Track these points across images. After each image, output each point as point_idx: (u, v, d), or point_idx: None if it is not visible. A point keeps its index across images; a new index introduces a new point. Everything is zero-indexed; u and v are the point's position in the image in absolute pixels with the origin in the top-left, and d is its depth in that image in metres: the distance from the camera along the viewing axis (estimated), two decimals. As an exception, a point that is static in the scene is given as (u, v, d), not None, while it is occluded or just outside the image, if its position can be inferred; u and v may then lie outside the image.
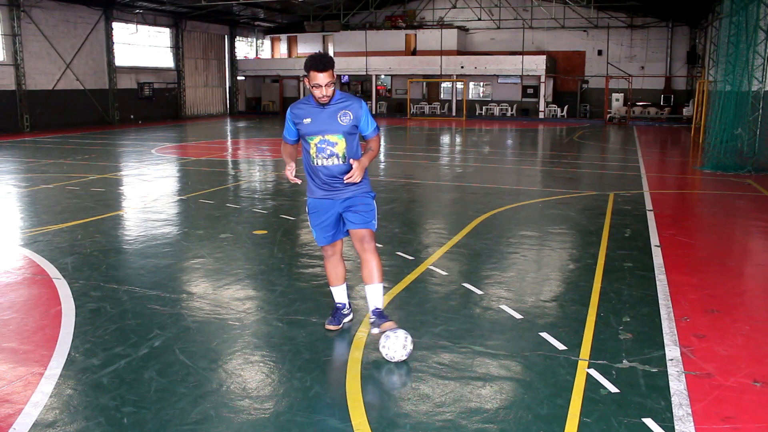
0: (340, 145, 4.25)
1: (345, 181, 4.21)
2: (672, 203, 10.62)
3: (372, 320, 4.43)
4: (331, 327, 4.64)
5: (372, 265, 4.35)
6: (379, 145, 4.43)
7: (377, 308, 4.43)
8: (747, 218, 9.13)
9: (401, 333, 4.12)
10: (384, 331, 4.21)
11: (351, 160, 4.21)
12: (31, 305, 5.23)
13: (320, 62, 4.06)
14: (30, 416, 3.43)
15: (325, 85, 4.10)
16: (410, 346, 4.11)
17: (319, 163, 4.29)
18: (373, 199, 4.44)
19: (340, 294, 4.71)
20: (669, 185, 12.71)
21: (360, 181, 4.27)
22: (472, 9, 37.20)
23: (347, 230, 4.44)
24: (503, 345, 4.40)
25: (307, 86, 4.16)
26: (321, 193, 4.38)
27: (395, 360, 4.08)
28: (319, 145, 4.24)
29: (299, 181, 4.30)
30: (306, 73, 4.14)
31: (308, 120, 4.23)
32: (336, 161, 4.27)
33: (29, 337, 4.52)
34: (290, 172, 4.26)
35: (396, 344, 4.07)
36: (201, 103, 36.88)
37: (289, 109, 4.38)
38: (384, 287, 5.58)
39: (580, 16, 35.95)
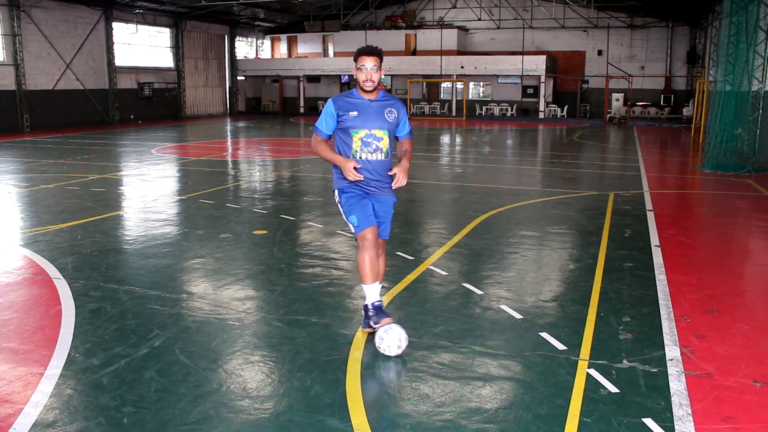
0: (385, 140, 4.30)
1: (393, 187, 4.33)
2: (672, 203, 10.62)
3: (371, 313, 4.38)
4: (370, 329, 4.49)
5: (381, 264, 4.55)
6: (413, 147, 4.57)
7: (379, 301, 4.40)
8: (747, 218, 9.13)
9: (397, 330, 4.17)
10: (382, 326, 4.24)
11: (393, 169, 4.28)
12: (31, 305, 5.23)
13: (369, 47, 4.26)
14: (30, 416, 3.43)
15: (371, 68, 4.20)
16: (405, 344, 4.17)
17: (363, 157, 4.29)
18: (393, 205, 4.55)
19: (376, 292, 4.40)
20: (669, 185, 12.71)
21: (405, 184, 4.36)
22: (472, 9, 37.20)
23: None
24: (503, 345, 4.40)
25: (355, 77, 4.28)
26: (356, 186, 4.35)
27: (389, 354, 4.14)
28: (365, 139, 4.27)
29: (362, 177, 4.28)
30: (355, 63, 4.24)
31: (355, 113, 4.27)
32: (380, 156, 4.31)
33: (29, 337, 4.52)
34: (351, 168, 4.19)
35: (392, 340, 4.13)
36: (201, 103, 36.88)
37: (330, 101, 4.34)
38: (384, 287, 5.60)
39: (580, 16, 35.96)
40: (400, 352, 4.15)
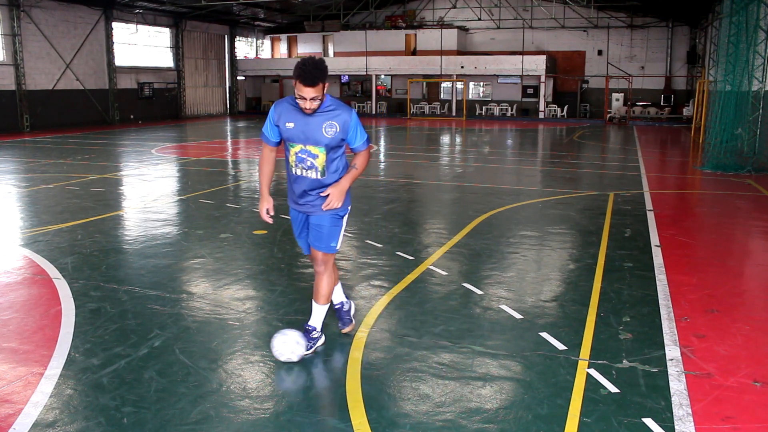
0: (320, 158, 3.91)
1: (324, 209, 3.95)
2: (672, 203, 10.62)
3: (302, 336, 4.20)
4: (347, 329, 4.56)
5: (320, 286, 4.20)
6: (367, 161, 4.05)
7: (310, 326, 4.26)
8: (747, 218, 9.13)
9: (292, 339, 4.05)
10: (299, 353, 4.11)
11: (327, 189, 3.90)
12: (31, 305, 5.23)
13: (309, 75, 3.66)
14: (30, 416, 3.43)
15: (310, 99, 3.75)
16: (287, 354, 4.04)
17: (297, 173, 3.99)
18: (342, 218, 4.13)
19: (337, 294, 4.60)
20: (669, 185, 12.71)
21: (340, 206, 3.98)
22: (472, 9, 37.20)
23: None
24: (503, 345, 4.40)
25: (294, 94, 3.83)
26: (294, 204, 4.16)
27: (282, 359, 4.06)
28: (299, 155, 3.93)
29: (271, 221, 4.16)
30: (294, 83, 3.76)
31: (291, 125, 3.89)
32: (314, 174, 3.95)
33: (29, 337, 4.52)
34: (265, 210, 4.09)
35: (285, 347, 4.03)
36: (201, 103, 36.88)
37: (273, 106, 3.99)
38: (384, 287, 5.59)
39: (580, 16, 35.95)
40: (291, 359, 4.06)
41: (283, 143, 4.07)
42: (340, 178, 3.98)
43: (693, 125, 24.86)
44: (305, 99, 3.76)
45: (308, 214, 4.12)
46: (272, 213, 4.13)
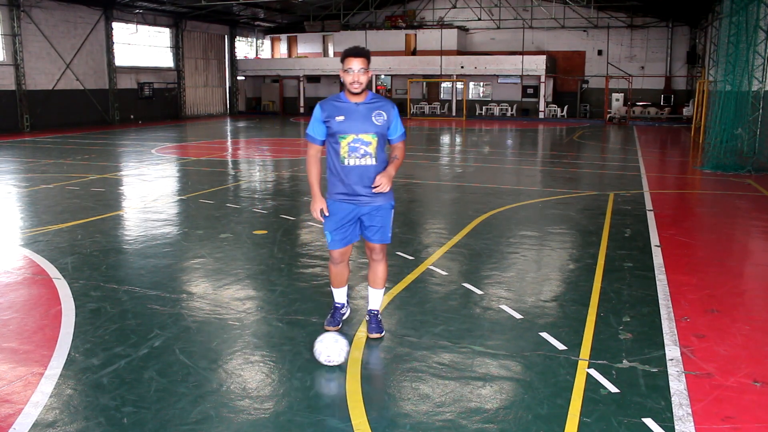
0: (373, 144, 4.20)
1: (373, 192, 4.21)
2: (672, 203, 10.62)
3: (368, 319, 4.61)
4: (331, 328, 4.63)
5: (379, 272, 4.51)
6: (405, 152, 4.40)
7: (375, 310, 4.59)
8: (747, 218, 9.12)
9: (342, 342, 4.07)
10: (372, 337, 4.46)
11: (377, 178, 4.17)
12: (31, 305, 5.23)
13: (356, 48, 4.13)
14: (30, 416, 3.43)
15: (358, 71, 4.07)
16: (338, 357, 4.04)
17: (351, 163, 4.20)
18: (392, 209, 4.41)
19: (341, 295, 4.68)
20: (669, 185, 12.71)
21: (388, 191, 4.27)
22: (472, 9, 37.21)
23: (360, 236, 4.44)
24: (503, 345, 4.40)
25: (342, 79, 4.15)
26: (341, 197, 4.28)
27: (329, 362, 4.03)
28: (352, 145, 4.17)
29: (322, 219, 4.33)
30: (342, 65, 4.12)
31: (341, 117, 4.15)
32: (370, 161, 4.21)
33: (29, 337, 4.52)
34: (318, 210, 4.26)
35: (334, 350, 4.01)
36: (201, 103, 36.88)
37: (318, 106, 4.25)
38: (386, 287, 5.60)
39: (580, 16, 35.96)
40: (337, 363, 4.04)
41: (325, 143, 4.30)
42: (386, 167, 4.30)
43: (693, 125, 24.86)
44: (353, 72, 4.08)
45: (362, 205, 4.29)
46: (327, 213, 4.31)
